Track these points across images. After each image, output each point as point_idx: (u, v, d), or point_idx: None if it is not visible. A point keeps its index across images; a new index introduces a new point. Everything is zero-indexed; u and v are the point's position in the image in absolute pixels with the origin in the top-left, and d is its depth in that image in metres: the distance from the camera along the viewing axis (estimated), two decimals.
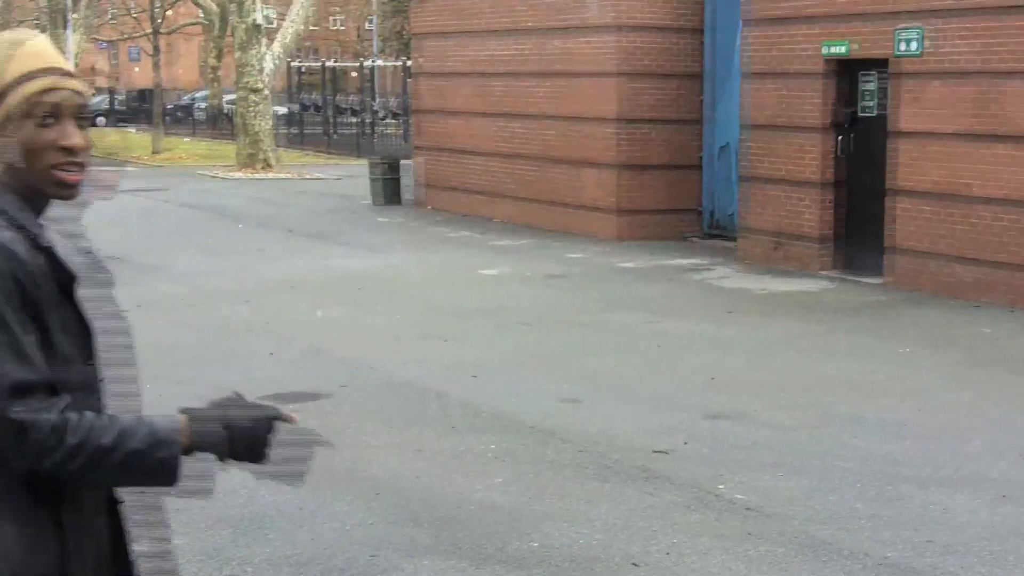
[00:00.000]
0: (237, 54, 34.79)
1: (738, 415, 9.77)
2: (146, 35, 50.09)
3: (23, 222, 2.69)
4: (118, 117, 62.16)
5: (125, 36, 60.86)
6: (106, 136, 47.37)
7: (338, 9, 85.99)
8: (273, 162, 34.86)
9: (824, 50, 17.02)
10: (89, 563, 2.70)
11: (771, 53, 17.87)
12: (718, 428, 9.41)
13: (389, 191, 26.69)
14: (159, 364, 10.81)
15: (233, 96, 43.53)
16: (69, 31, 47.99)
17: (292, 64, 50.36)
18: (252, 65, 34.03)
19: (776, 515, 7.43)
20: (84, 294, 2.71)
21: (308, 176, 34.29)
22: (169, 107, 58.01)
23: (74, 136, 2.72)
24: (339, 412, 9.71)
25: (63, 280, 2.73)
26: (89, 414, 2.64)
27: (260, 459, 2.80)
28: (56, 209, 2.75)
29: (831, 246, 17.37)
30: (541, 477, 8.15)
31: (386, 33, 75.38)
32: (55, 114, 2.71)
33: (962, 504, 7.67)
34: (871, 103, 16.74)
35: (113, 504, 2.87)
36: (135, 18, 57.77)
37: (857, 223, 16.99)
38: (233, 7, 35.56)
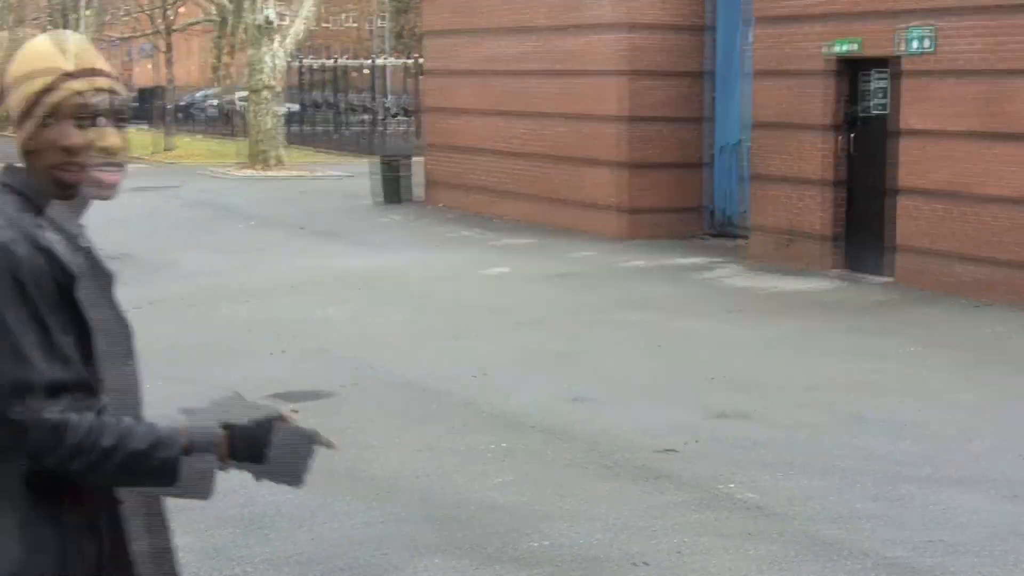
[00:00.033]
0: (248, 51, 34.82)
1: (743, 414, 9.78)
2: (157, 32, 50.15)
3: (61, 223, 2.71)
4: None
5: (136, 33, 60.89)
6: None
7: (349, 7, 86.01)
8: (283, 160, 34.89)
9: (829, 49, 17.01)
10: (89, 563, 2.71)
11: (776, 52, 17.85)
12: (723, 427, 9.41)
13: (396, 190, 26.68)
14: (163, 362, 10.84)
15: (243, 93, 43.58)
16: (81, 28, 48.07)
17: (300, 62, 50.36)
18: (262, 62, 34.06)
19: (780, 515, 7.43)
20: (85, 293, 2.72)
21: (318, 174, 34.31)
22: (179, 104, 58.01)
23: (111, 136, 2.74)
24: (342, 411, 9.72)
25: (63, 280, 2.74)
26: (89, 415, 2.65)
27: (260, 460, 2.79)
28: (56, 209, 2.76)
29: (836, 245, 17.35)
30: (545, 476, 8.15)
31: (396, 31, 75.40)
32: (92, 115, 2.72)
33: (965, 504, 7.67)
34: (876, 102, 16.72)
35: (114, 504, 2.88)
36: (149, 15, 57.80)
37: (862, 222, 16.97)
38: (244, 4, 35.57)
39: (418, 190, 26.67)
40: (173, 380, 10.19)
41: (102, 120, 2.73)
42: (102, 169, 2.73)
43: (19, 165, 2.78)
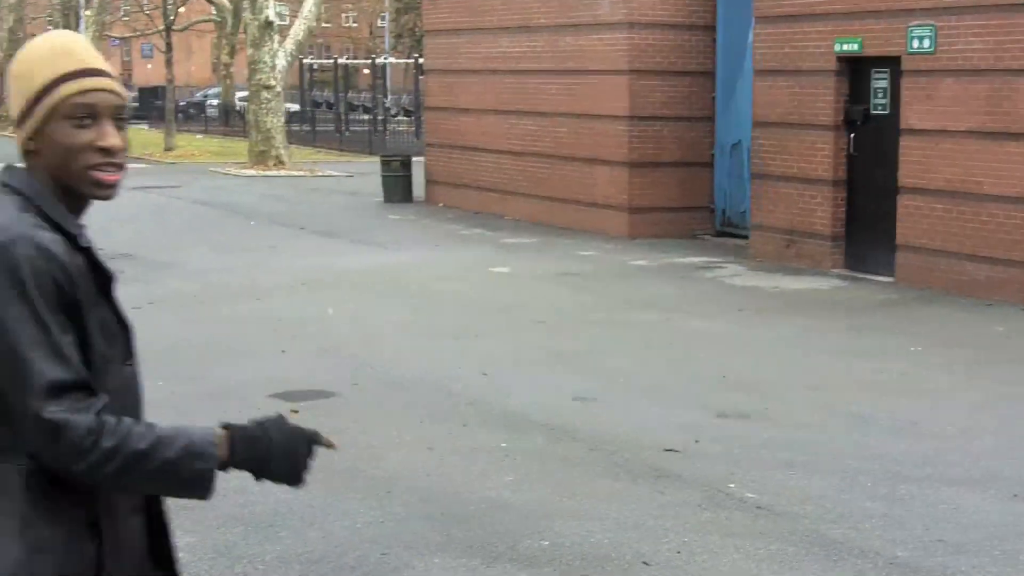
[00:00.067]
0: (249, 51, 34.82)
1: (749, 414, 9.77)
2: (158, 32, 50.15)
3: (62, 222, 2.71)
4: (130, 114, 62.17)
5: (137, 33, 60.97)
6: None
7: (350, 6, 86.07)
8: (285, 159, 34.88)
9: (836, 47, 17.01)
10: (90, 564, 2.71)
11: (782, 50, 17.86)
12: (729, 427, 9.41)
13: (400, 188, 26.70)
14: (170, 361, 10.86)
15: (245, 93, 43.58)
16: (82, 28, 48.08)
17: (304, 61, 50.42)
18: (264, 62, 34.05)
19: (787, 514, 7.43)
20: (85, 294, 2.72)
21: (320, 173, 34.32)
22: (181, 104, 58.08)
23: (111, 136, 2.73)
24: (350, 410, 9.72)
25: (101, 280, 2.75)
26: (127, 419, 2.65)
27: (297, 482, 2.81)
28: (56, 209, 2.75)
29: (842, 244, 17.36)
30: (552, 475, 8.15)
31: (398, 30, 75.41)
32: (92, 115, 2.72)
33: (973, 503, 7.67)
34: (883, 101, 16.72)
35: (151, 503, 2.88)
36: (148, 15, 57.87)
37: (868, 221, 16.98)
38: (246, 4, 35.58)
39: (420, 189, 26.68)
40: (174, 380, 10.21)
41: (102, 120, 2.73)
42: (102, 169, 2.73)
43: (19, 165, 2.78)
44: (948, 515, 7.45)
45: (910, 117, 16.05)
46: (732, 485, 7.93)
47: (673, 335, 12.98)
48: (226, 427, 2.76)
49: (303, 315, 13.64)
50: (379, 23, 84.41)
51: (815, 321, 13.83)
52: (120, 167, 2.76)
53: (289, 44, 35.29)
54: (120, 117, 2.76)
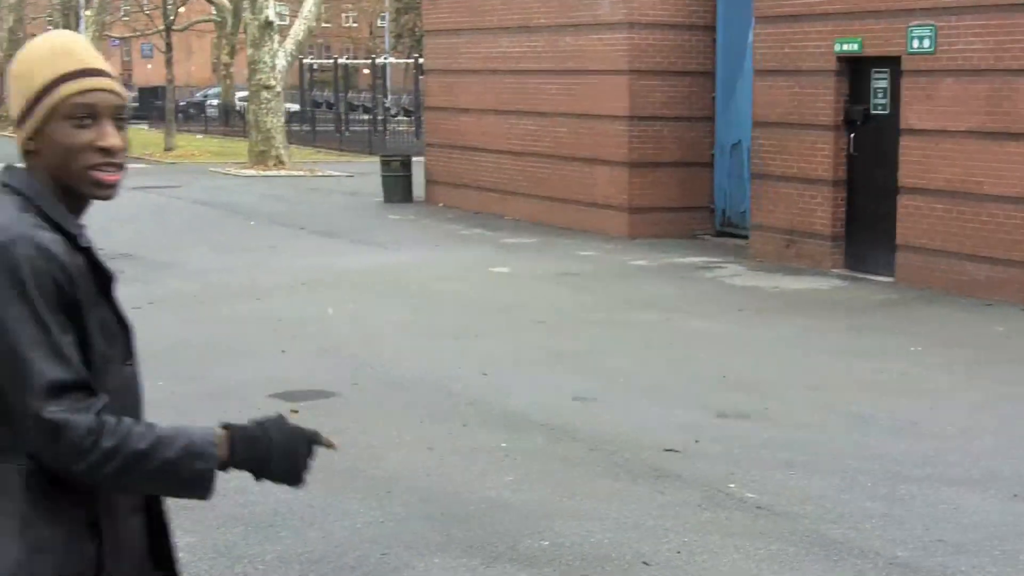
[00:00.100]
0: (249, 51, 34.82)
1: (749, 414, 9.77)
2: (158, 32, 50.15)
3: (62, 222, 2.71)
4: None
5: (137, 33, 60.97)
6: None
7: (350, 6, 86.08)
8: (285, 159, 34.89)
9: (836, 47, 17.01)
10: (90, 564, 2.71)
11: (783, 50, 17.86)
12: (729, 426, 9.41)
13: (400, 188, 26.70)
14: (170, 361, 10.85)
15: (245, 93, 43.58)
16: (82, 28, 48.08)
17: (304, 61, 50.42)
18: (264, 62, 34.05)
19: (787, 514, 7.43)
20: (85, 294, 2.72)
21: (320, 173, 34.32)
22: (181, 104, 58.08)
23: (111, 136, 2.73)
24: (350, 410, 9.72)
25: (101, 280, 2.75)
26: (127, 419, 2.65)
27: (297, 482, 2.81)
28: (55, 209, 2.75)
29: (842, 244, 17.36)
30: (552, 475, 8.15)
31: (398, 30, 75.40)
32: (92, 115, 2.72)
33: (973, 503, 7.67)
34: (883, 101, 16.72)
35: (150, 503, 2.89)
36: (148, 15, 57.88)
37: (868, 221, 16.98)
38: (246, 4, 35.58)
39: (420, 189, 26.68)
40: (174, 379, 10.21)
41: (102, 120, 2.73)
42: (102, 169, 2.73)
43: (19, 165, 2.78)
44: (948, 515, 7.44)
45: (910, 117, 16.05)
46: (732, 485, 7.93)
47: (673, 335, 12.98)
48: (226, 427, 2.76)
49: (303, 315, 13.64)
50: (379, 23, 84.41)
51: (815, 321, 13.83)
52: (120, 167, 2.76)
53: (289, 44, 35.29)
54: (120, 117, 2.77)
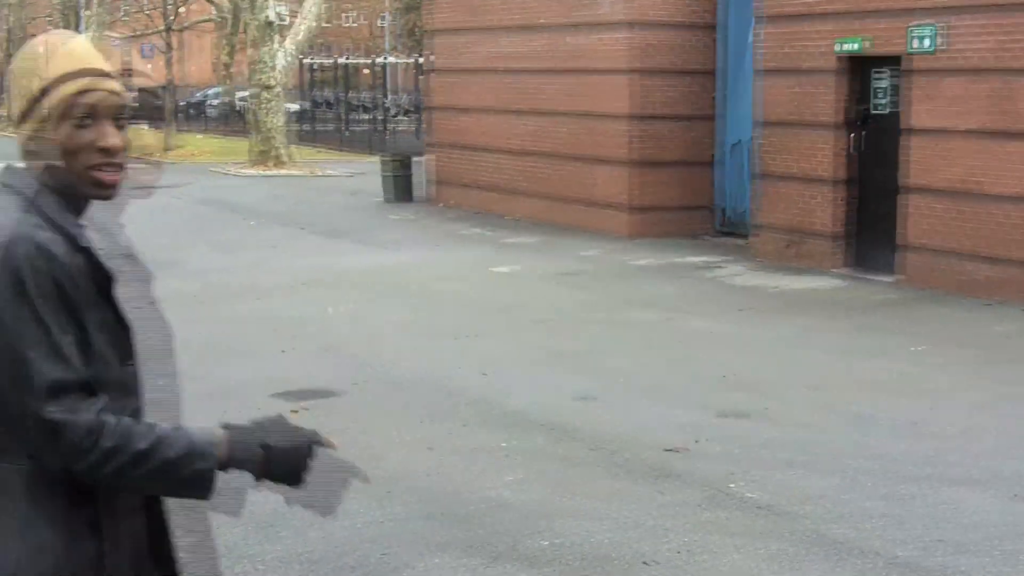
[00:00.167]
0: (250, 51, 34.84)
1: (749, 414, 9.76)
2: (159, 32, 50.15)
3: (62, 223, 2.70)
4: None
5: (138, 33, 60.94)
6: None
7: (351, 6, 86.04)
8: (286, 159, 34.87)
9: (837, 47, 17.00)
10: (91, 565, 2.70)
11: (784, 50, 17.84)
12: (731, 426, 9.40)
13: (401, 188, 26.68)
14: (178, 361, 10.83)
15: (246, 93, 43.57)
16: (82, 28, 48.08)
17: (305, 61, 50.36)
18: (265, 62, 34.05)
19: (788, 513, 7.42)
20: (124, 293, 2.72)
21: (321, 173, 34.31)
22: (182, 104, 58.06)
23: (112, 137, 2.73)
24: (351, 409, 9.71)
25: (101, 280, 2.74)
26: (127, 419, 2.65)
27: (297, 483, 2.81)
28: (94, 208, 2.76)
29: (844, 244, 17.35)
30: (553, 475, 8.15)
31: (399, 30, 75.41)
32: (93, 115, 2.72)
33: (974, 503, 7.66)
34: (884, 100, 16.71)
35: (151, 503, 2.88)
36: (147, 15, 57.86)
37: (870, 221, 16.97)
38: (246, 4, 35.58)
39: (421, 189, 26.66)
40: (185, 377, 10.08)
41: (102, 121, 2.73)
42: (102, 169, 2.72)
43: (20, 165, 2.78)
44: (949, 515, 7.43)
45: (912, 117, 16.03)
46: (733, 485, 7.93)
47: (674, 335, 12.97)
48: (226, 427, 2.76)
49: (304, 315, 13.63)
50: (380, 23, 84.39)
51: (816, 321, 13.82)
52: (120, 167, 2.76)
53: (290, 44, 35.27)
54: (120, 117, 2.76)
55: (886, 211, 16.52)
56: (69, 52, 2.74)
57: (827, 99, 17.21)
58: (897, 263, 16.33)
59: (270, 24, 33.90)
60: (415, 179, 26.87)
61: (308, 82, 53.65)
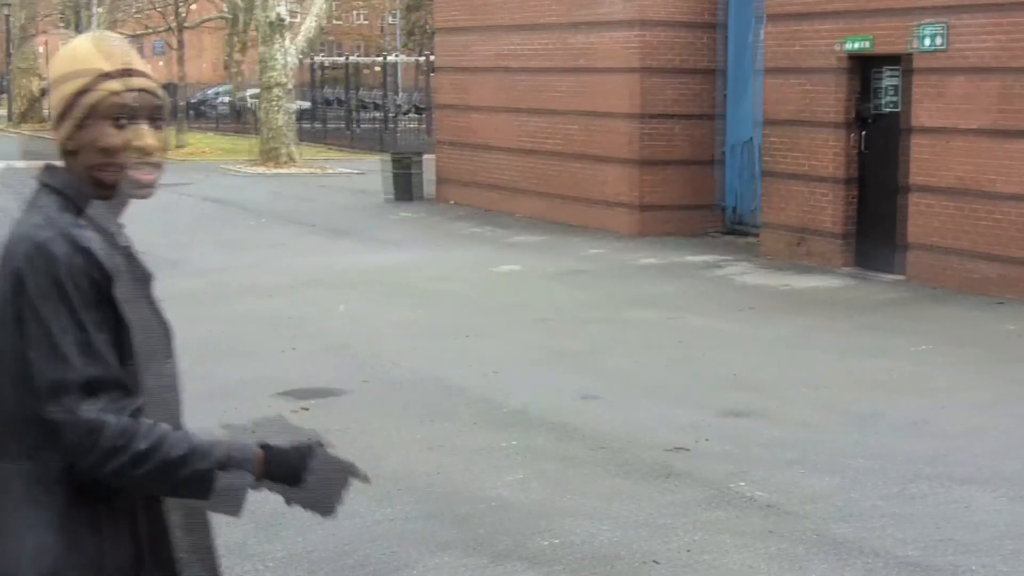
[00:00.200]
0: (260, 48, 34.84)
1: (757, 412, 9.76)
2: (169, 29, 50.21)
3: (100, 221, 2.71)
4: None
5: (148, 31, 61.01)
6: None
7: (360, 4, 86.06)
8: (294, 157, 34.89)
9: (845, 45, 16.97)
10: (127, 563, 2.71)
11: (790, 49, 17.82)
12: (737, 425, 9.39)
13: (410, 186, 26.67)
14: (179, 359, 10.84)
15: (254, 91, 43.60)
16: (93, 25, 48.11)
17: (313, 59, 50.38)
18: (274, 60, 34.07)
19: (795, 513, 7.42)
20: (123, 292, 2.73)
21: (329, 171, 34.33)
22: (191, 101, 58.10)
23: (148, 136, 2.75)
24: (358, 408, 9.72)
25: (139, 279, 2.75)
26: (163, 425, 2.67)
27: (296, 483, 2.82)
28: (95, 208, 2.77)
29: (852, 242, 17.33)
30: (560, 474, 8.14)
31: (408, 28, 75.43)
32: (129, 115, 2.73)
33: (982, 502, 7.65)
34: (892, 99, 16.68)
35: (151, 502, 2.88)
36: (159, 12, 57.94)
37: (874, 220, 16.94)
38: (256, 2, 35.61)
39: (429, 187, 26.66)
40: (192, 376, 10.03)
41: (139, 120, 2.74)
42: (138, 169, 2.73)
43: (58, 164, 2.79)
44: (957, 514, 7.42)
45: (920, 115, 16.01)
46: (741, 484, 7.92)
47: (681, 333, 12.95)
48: (225, 427, 2.77)
49: (310, 313, 13.64)
50: (389, 20, 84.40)
51: (821, 320, 13.81)
52: (157, 166, 2.78)
53: (299, 41, 35.29)
54: (157, 117, 2.77)
55: (892, 210, 16.50)
56: (108, 53, 2.77)
57: (835, 97, 17.19)
58: (903, 262, 16.30)
59: (279, 22, 33.92)
60: (424, 177, 26.86)
61: (316, 80, 53.67)
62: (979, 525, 7.23)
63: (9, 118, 55.58)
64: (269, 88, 34.45)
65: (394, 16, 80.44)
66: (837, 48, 16.98)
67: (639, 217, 20.83)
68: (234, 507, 2.73)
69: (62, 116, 2.76)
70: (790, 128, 17.94)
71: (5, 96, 62.45)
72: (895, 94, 16.62)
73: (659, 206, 20.85)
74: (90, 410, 2.57)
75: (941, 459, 8.53)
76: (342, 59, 52.14)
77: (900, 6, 16.17)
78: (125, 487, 2.65)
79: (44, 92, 53.29)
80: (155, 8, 58.61)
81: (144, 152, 2.74)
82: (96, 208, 2.74)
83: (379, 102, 48.56)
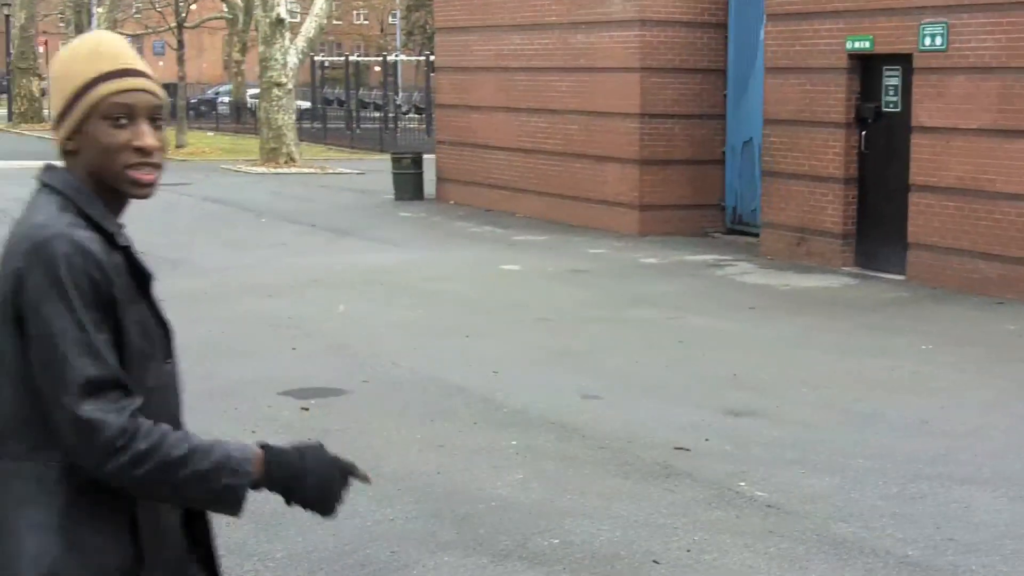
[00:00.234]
0: (260, 48, 34.82)
1: (759, 412, 9.75)
2: (170, 29, 50.18)
3: (100, 221, 2.72)
4: None
5: (149, 30, 61.03)
6: None
7: (361, 4, 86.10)
8: (296, 157, 34.88)
9: (847, 45, 16.97)
10: (127, 560, 2.71)
11: (794, 48, 17.82)
12: (739, 425, 9.39)
13: (411, 186, 26.68)
14: (180, 359, 10.84)
15: (256, 90, 43.59)
16: (93, 25, 48.10)
17: (315, 59, 50.42)
18: (275, 59, 34.06)
19: (797, 512, 7.41)
20: (122, 293, 2.73)
21: (331, 171, 34.32)
22: (192, 101, 58.11)
23: (148, 136, 2.75)
24: (360, 407, 9.71)
25: (139, 279, 2.75)
26: (164, 425, 2.66)
27: (329, 512, 2.84)
28: (94, 208, 2.77)
29: (853, 242, 17.33)
30: (562, 473, 8.14)
31: (409, 27, 75.45)
32: (129, 115, 2.73)
33: (984, 502, 7.65)
34: (894, 98, 16.68)
35: (151, 501, 2.88)
36: (160, 12, 57.91)
37: (879, 219, 16.94)
38: (257, 1, 35.60)
39: (431, 187, 26.67)
40: (194, 376, 10.05)
41: (139, 120, 2.74)
42: (139, 169, 2.74)
43: (58, 164, 2.80)
44: (959, 514, 7.42)
45: (921, 115, 16.01)
46: (742, 483, 7.92)
47: (682, 333, 12.95)
48: (264, 447, 2.77)
49: (310, 313, 13.63)
50: (390, 20, 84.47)
51: (825, 319, 13.80)
52: (157, 167, 2.79)
53: (300, 41, 35.28)
54: (157, 117, 2.78)
55: (896, 209, 16.50)
56: (108, 53, 2.77)
57: (836, 97, 17.19)
58: (907, 261, 16.30)
59: (281, 21, 33.91)
60: (425, 177, 26.87)
61: (318, 80, 53.72)
62: (980, 525, 7.23)
63: (9, 118, 55.58)
64: (270, 88, 34.44)
65: (394, 16, 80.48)
66: (848, 47, 16.97)
67: (639, 217, 20.83)
68: (234, 507, 2.73)
69: (62, 116, 2.76)
70: (791, 128, 17.94)
71: (5, 96, 62.43)
72: (895, 94, 16.62)
73: (662, 206, 20.86)
74: (90, 410, 2.57)
75: (941, 459, 8.53)
76: (343, 59, 52.15)
77: (901, 6, 16.17)
78: (125, 487, 2.64)
79: (44, 92, 53.39)
80: (155, 8, 58.57)
81: (144, 152, 2.74)
82: (95, 207, 2.73)
83: (380, 102, 48.59)
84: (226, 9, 57.23)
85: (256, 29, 37.15)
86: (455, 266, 17.35)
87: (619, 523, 7.17)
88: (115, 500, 2.68)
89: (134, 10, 68.12)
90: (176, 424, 2.78)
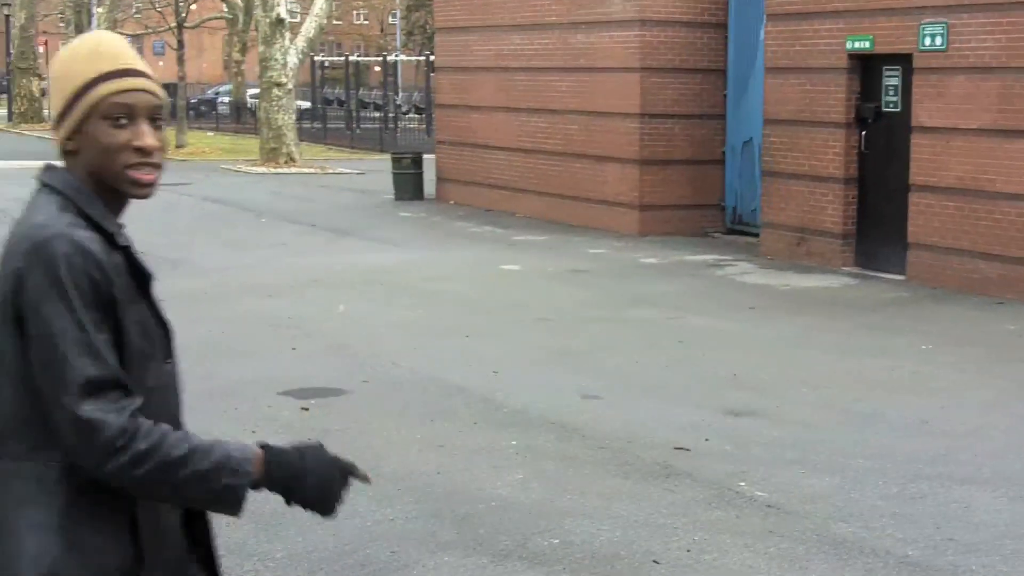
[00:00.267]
0: (260, 48, 34.82)
1: (759, 412, 9.75)
2: (170, 29, 50.18)
3: (100, 221, 2.72)
4: None
5: (149, 30, 61.04)
6: None
7: (361, 4, 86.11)
8: (296, 157, 34.88)
9: (847, 45, 16.97)
10: (127, 560, 2.71)
11: (794, 48, 17.82)
12: (739, 425, 9.38)
13: (411, 186, 26.68)
14: (180, 359, 10.84)
15: (256, 90, 43.59)
16: (93, 25, 48.10)
17: (315, 59, 50.43)
18: (275, 59, 34.05)
19: (797, 512, 7.41)
20: (122, 293, 2.72)
21: (331, 171, 34.32)
22: (192, 101, 58.11)
23: (148, 136, 2.75)
24: (360, 407, 9.71)
25: (139, 279, 2.76)
26: (164, 425, 2.66)
27: (329, 512, 2.84)
28: (94, 208, 2.77)
29: (853, 242, 17.33)
30: (562, 473, 8.14)
31: (409, 27, 75.46)
32: (129, 115, 2.73)
33: (984, 502, 7.65)
34: (894, 98, 16.68)
35: (151, 501, 2.88)
36: (159, 12, 57.92)
37: (879, 219, 16.94)
38: (257, 1, 35.60)
39: (431, 187, 26.67)
40: (194, 375, 10.06)
41: (139, 120, 2.74)
42: (139, 169, 2.74)
43: (58, 164, 2.80)
44: (959, 514, 7.42)
45: (921, 115, 16.01)
46: (742, 483, 7.92)
47: (682, 333, 12.95)
48: (263, 447, 2.77)
49: (310, 313, 13.63)
50: (390, 20, 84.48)
51: (824, 319, 13.80)
52: (157, 167, 2.79)
53: (300, 41, 35.28)
54: (157, 117, 2.78)
55: (895, 209, 16.50)
56: (108, 53, 2.77)
57: (836, 97, 17.19)
58: (906, 261, 16.30)
59: (281, 21, 33.91)
60: (425, 177, 26.87)
61: (318, 80, 53.72)
62: (980, 525, 7.23)
63: (9, 118, 55.57)
64: (270, 88, 34.44)
65: (394, 16, 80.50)
66: (847, 46, 16.98)
67: (639, 217, 20.83)
68: (234, 507, 2.73)
69: (62, 116, 2.76)
70: (791, 128, 17.94)
71: (5, 96, 62.42)
72: (895, 94, 16.62)
73: (662, 206, 20.86)
74: (90, 410, 2.57)
75: (942, 459, 8.53)
76: (343, 59, 52.15)
77: (901, 6, 16.17)
78: (125, 487, 2.64)
79: (44, 92, 53.38)
80: (155, 8, 58.57)
81: (144, 152, 2.74)
82: (95, 207, 2.74)
83: (380, 102, 48.60)
84: (226, 9, 57.23)
85: (256, 29, 37.15)
86: (455, 266, 17.35)
87: (619, 523, 7.17)
88: (115, 500, 2.68)
89: (134, 10, 68.13)
90: (176, 424, 2.78)
